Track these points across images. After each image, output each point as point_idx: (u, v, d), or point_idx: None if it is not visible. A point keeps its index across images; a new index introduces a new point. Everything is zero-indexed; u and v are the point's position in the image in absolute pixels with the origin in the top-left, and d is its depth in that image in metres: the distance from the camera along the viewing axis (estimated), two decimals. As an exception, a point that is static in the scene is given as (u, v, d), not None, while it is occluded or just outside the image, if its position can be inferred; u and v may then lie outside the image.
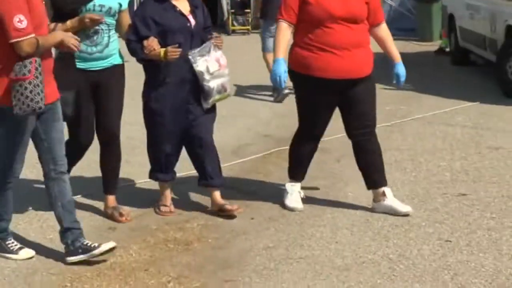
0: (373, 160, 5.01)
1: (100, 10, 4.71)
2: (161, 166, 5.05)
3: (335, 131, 5.87)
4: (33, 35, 4.02)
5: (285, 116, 7.63)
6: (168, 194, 5.14)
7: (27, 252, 4.35)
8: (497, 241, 4.47)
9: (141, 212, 5.11)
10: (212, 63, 4.84)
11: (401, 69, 5.05)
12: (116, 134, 4.98)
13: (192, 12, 4.97)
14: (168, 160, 5.03)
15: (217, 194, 5.04)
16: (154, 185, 5.31)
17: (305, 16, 4.86)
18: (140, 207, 5.18)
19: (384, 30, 5.08)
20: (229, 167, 5.91)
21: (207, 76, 4.82)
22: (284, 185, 5.21)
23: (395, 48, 5.10)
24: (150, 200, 5.23)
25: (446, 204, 5.11)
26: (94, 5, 4.70)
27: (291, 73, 4.97)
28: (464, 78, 9.71)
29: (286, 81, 5.01)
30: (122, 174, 5.22)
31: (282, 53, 4.95)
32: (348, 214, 4.96)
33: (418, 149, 6.54)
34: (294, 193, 5.14)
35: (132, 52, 4.83)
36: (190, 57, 4.79)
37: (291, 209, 5.03)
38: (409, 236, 4.56)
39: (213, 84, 4.86)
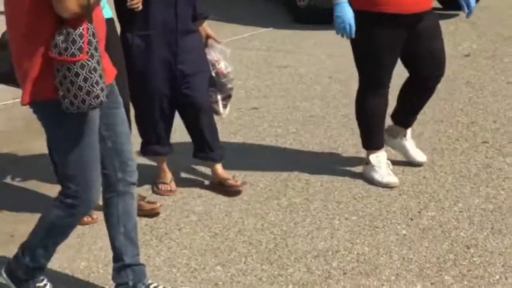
0: (423, 103, 4.40)
1: None
2: (154, 137, 4.22)
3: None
4: None
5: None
6: (167, 170, 4.32)
7: None
8: (282, 145, 5.00)
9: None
10: (223, 63, 4.23)
11: None
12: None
13: None
14: (161, 129, 4.19)
15: (218, 168, 4.29)
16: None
17: None
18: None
19: None
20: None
21: (225, 79, 4.23)
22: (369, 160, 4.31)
23: None
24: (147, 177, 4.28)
25: (240, 117, 5.55)
26: None
27: (355, 14, 4.02)
28: (261, 6, 10.20)
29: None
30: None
31: None
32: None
33: (216, 71, 6.92)
34: (382, 165, 4.25)
35: None
36: (209, 59, 4.20)
37: (386, 185, 4.19)
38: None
39: (230, 85, 4.26)
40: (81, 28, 2.59)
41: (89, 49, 2.60)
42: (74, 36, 2.57)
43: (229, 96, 4.28)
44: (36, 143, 4.77)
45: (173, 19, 3.98)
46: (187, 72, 4.05)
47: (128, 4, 3.66)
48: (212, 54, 4.19)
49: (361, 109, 4.33)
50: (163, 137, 4.21)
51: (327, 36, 8.12)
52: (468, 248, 3.51)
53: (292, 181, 4.34)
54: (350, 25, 3.97)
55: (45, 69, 2.64)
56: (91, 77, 2.61)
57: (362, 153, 4.48)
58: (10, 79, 3.04)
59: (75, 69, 2.58)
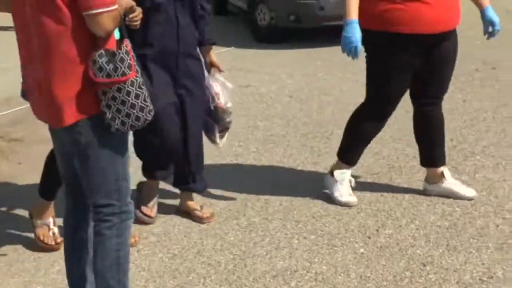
0: (436, 134, 4.24)
1: None
2: (154, 160, 4.00)
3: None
4: (117, 5, 2.58)
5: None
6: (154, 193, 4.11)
7: None
8: (243, 164, 4.99)
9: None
10: (223, 94, 4.03)
11: (492, 14, 4.03)
12: None
13: None
14: (159, 153, 3.92)
15: (191, 196, 4.15)
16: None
17: None
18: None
19: None
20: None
21: (221, 111, 4.04)
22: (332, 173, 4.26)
23: None
24: None
25: (200, 137, 5.53)
26: None
27: (367, 33, 3.85)
28: (223, 26, 10.22)
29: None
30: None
31: (355, 12, 3.86)
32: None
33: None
34: (345, 183, 4.22)
35: None
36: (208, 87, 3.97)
37: (345, 204, 4.17)
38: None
39: (228, 118, 4.09)
40: (124, 45, 2.55)
41: (135, 65, 2.58)
42: (121, 55, 2.52)
43: (227, 129, 4.14)
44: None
45: (175, 41, 3.77)
46: (185, 98, 3.86)
47: (127, 21, 3.56)
48: (213, 87, 3.99)
49: (354, 125, 4.22)
50: (164, 162, 4.01)
51: (287, 55, 8.24)
52: (424, 265, 3.53)
53: (251, 201, 4.33)
54: (356, 47, 3.82)
55: (84, 88, 2.55)
56: (142, 93, 2.58)
57: (321, 172, 4.48)
58: None
59: (126, 88, 2.54)
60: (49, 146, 3.58)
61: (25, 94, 3.03)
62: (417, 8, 3.80)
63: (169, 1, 3.70)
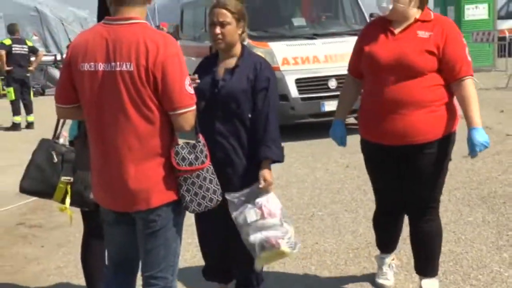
0: (423, 244, 3.61)
1: None
2: (208, 265, 3.57)
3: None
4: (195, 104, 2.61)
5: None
6: None
7: None
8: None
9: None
10: (251, 211, 3.15)
11: (474, 136, 3.23)
12: None
13: (231, 71, 3.25)
14: (212, 259, 3.51)
15: None
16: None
17: (362, 67, 3.49)
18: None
19: (463, 89, 3.26)
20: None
21: (245, 228, 3.17)
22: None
23: (472, 110, 3.26)
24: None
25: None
26: None
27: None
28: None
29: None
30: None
31: (338, 114, 3.71)
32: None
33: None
34: (383, 266, 3.89)
35: None
36: (228, 199, 3.12)
37: (379, 286, 3.85)
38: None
39: (254, 238, 3.15)
40: (200, 138, 2.63)
41: (208, 155, 2.65)
42: (201, 146, 2.61)
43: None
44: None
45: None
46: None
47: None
48: (260, 198, 3.19)
49: (373, 218, 3.90)
50: (216, 268, 3.55)
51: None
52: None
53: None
54: (339, 140, 3.65)
55: (167, 176, 2.58)
56: (214, 178, 2.68)
57: (306, 252, 4.37)
58: (45, 196, 3.13)
59: (203, 174, 2.61)
60: (66, 230, 3.50)
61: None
62: (372, 118, 3.40)
63: (207, 105, 3.22)
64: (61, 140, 3.21)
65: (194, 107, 2.57)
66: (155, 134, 2.54)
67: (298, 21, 9.71)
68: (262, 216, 3.12)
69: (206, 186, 2.61)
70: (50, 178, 3.06)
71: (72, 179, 3.06)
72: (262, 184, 3.15)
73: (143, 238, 2.67)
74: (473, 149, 3.25)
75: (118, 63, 2.49)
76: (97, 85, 2.53)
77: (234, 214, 3.14)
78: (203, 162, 2.59)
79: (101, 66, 2.52)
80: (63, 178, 3.06)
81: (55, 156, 3.07)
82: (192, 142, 2.60)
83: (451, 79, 3.26)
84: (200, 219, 3.35)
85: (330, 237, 4.75)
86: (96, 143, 2.62)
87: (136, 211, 2.61)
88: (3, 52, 11.24)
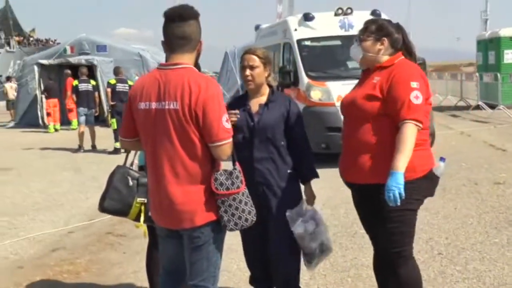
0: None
1: None
2: (254, 274, 3.54)
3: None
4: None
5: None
6: None
7: None
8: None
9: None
10: (310, 223, 3.25)
11: (389, 180, 2.80)
12: None
13: (264, 106, 3.30)
14: (256, 268, 3.49)
15: None
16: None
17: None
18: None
19: (399, 132, 2.85)
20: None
21: (307, 238, 3.25)
22: None
23: (398, 153, 2.81)
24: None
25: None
26: None
27: None
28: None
29: None
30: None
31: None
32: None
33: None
34: None
35: None
36: (288, 215, 3.20)
37: None
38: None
39: (314, 245, 3.29)
40: (237, 166, 2.70)
41: (243, 180, 2.71)
42: (237, 173, 2.68)
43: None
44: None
45: (251, 182, 3.03)
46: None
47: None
48: (310, 211, 3.27)
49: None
50: (260, 277, 3.51)
51: (319, 173, 8.24)
52: None
53: None
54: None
55: (208, 199, 2.65)
56: (249, 200, 2.72)
57: (347, 266, 4.37)
58: (122, 214, 3.17)
59: (239, 197, 2.67)
60: (143, 240, 3.68)
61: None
62: (341, 156, 3.13)
63: (244, 139, 3.25)
64: (133, 167, 3.37)
65: (231, 139, 2.63)
66: (198, 162, 2.62)
67: (352, 64, 9.80)
68: (317, 226, 3.28)
69: (241, 207, 2.66)
70: (126, 199, 3.13)
71: (146, 200, 3.08)
72: (310, 200, 3.32)
73: (188, 251, 2.76)
74: (387, 193, 2.79)
75: (167, 102, 2.59)
76: (151, 121, 2.64)
77: (293, 227, 3.21)
78: (238, 187, 2.65)
79: (154, 105, 2.62)
80: (138, 199, 3.11)
81: (130, 180, 3.18)
82: (230, 169, 2.68)
83: (396, 121, 2.87)
84: (244, 237, 3.45)
85: (368, 253, 4.75)
86: (151, 169, 2.73)
87: (182, 228, 2.71)
88: (109, 90, 12.00)
